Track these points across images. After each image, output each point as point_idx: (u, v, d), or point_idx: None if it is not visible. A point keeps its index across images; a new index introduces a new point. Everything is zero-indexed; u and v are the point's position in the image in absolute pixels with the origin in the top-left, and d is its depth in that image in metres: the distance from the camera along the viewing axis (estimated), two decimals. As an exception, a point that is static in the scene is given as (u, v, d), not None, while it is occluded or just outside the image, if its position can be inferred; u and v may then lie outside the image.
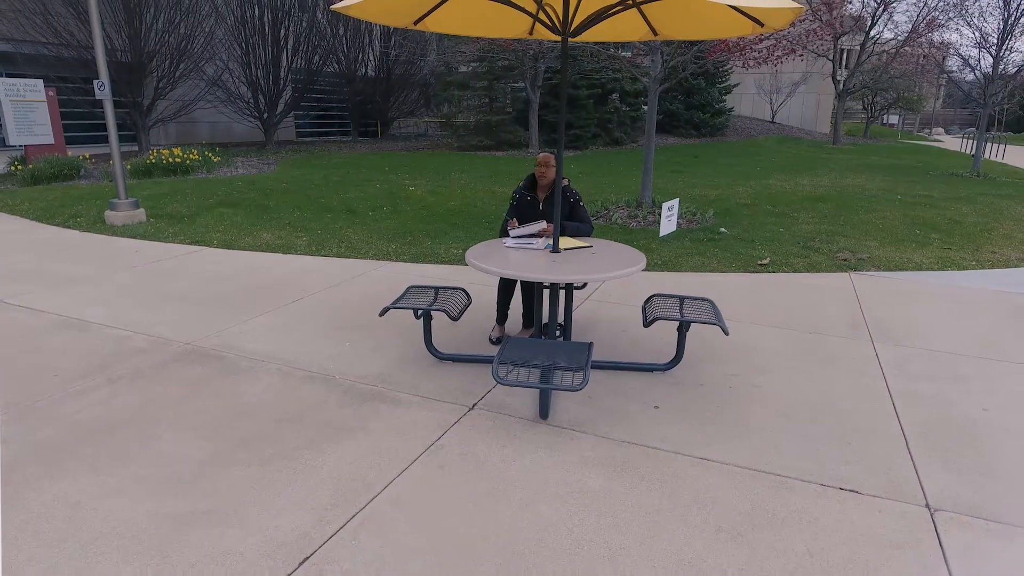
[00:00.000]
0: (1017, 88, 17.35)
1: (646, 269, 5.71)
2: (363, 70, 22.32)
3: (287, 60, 18.45)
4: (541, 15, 3.31)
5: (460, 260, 5.89)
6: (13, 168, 11.01)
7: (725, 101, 23.19)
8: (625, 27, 3.88)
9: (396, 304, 3.41)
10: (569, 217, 3.84)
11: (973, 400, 3.30)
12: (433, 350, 3.56)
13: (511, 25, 3.86)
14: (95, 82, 7.09)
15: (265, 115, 18.36)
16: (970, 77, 17.24)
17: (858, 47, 23.18)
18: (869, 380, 3.52)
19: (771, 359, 3.77)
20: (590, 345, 2.87)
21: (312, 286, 5.08)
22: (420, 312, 3.40)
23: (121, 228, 7.15)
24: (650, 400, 3.21)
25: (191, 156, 12.02)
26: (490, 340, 3.94)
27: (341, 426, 2.93)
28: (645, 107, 21.09)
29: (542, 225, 3.65)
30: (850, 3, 24.56)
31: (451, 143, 19.52)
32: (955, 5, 19.56)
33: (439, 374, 3.46)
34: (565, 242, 3.58)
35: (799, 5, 2.65)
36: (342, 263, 5.79)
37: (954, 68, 19.89)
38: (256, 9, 17.53)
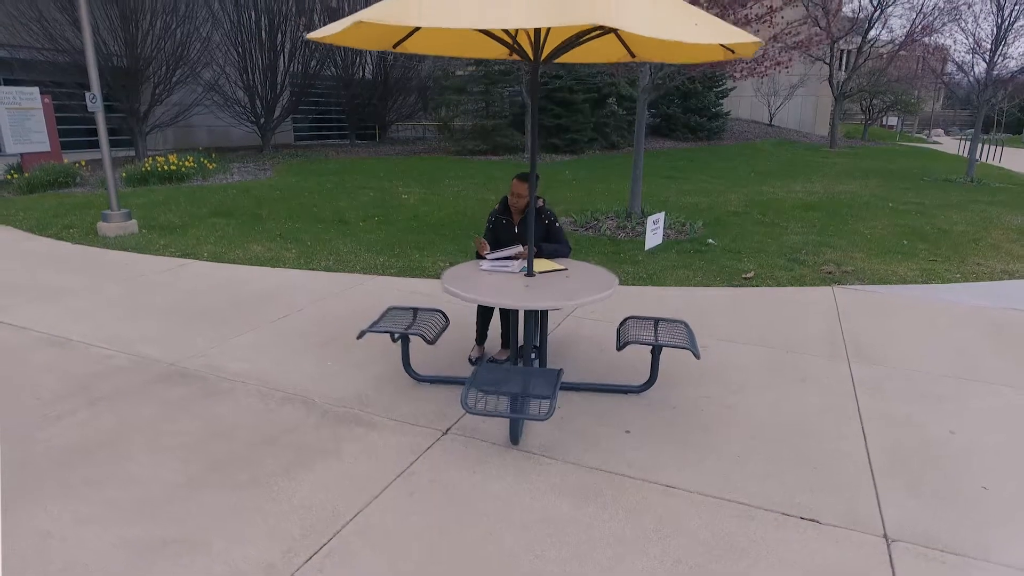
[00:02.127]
0: (1017, 90, 17.35)
1: (632, 283, 5.75)
2: (360, 73, 22.39)
3: (284, 65, 18.51)
4: (514, 43, 3.35)
5: (446, 274, 5.93)
6: (9, 176, 11.05)
7: (722, 105, 23.21)
8: (602, 49, 3.92)
9: (374, 327, 3.45)
10: (545, 237, 3.88)
11: (942, 422, 3.34)
12: (411, 372, 3.60)
13: (489, 47, 3.90)
14: (87, 94, 7.14)
15: (262, 120, 18.41)
16: (966, 82, 17.22)
17: (855, 48, 23.20)
18: (841, 401, 3.56)
19: (746, 378, 3.81)
20: (559, 373, 2.92)
21: (298, 301, 5.12)
22: (397, 336, 3.44)
23: (113, 240, 7.19)
24: (622, 423, 3.25)
25: (186, 163, 12.07)
26: (469, 360, 3.98)
27: (317, 450, 2.97)
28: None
29: (518, 249, 3.69)
30: (850, 1, 24.56)
31: (448, 147, 19.56)
32: (950, 11, 19.60)
33: (416, 396, 3.50)
34: (540, 264, 3.62)
35: (757, 39, 2.69)
36: (329, 277, 5.84)
37: (951, 71, 19.86)
38: (253, 13, 17.58)
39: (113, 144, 18.49)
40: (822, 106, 32.05)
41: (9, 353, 4.06)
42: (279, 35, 18.11)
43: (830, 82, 23.10)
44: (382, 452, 2.96)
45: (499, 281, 3.35)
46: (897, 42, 23.01)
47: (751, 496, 2.66)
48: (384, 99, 23.52)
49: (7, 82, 17.26)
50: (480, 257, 3.80)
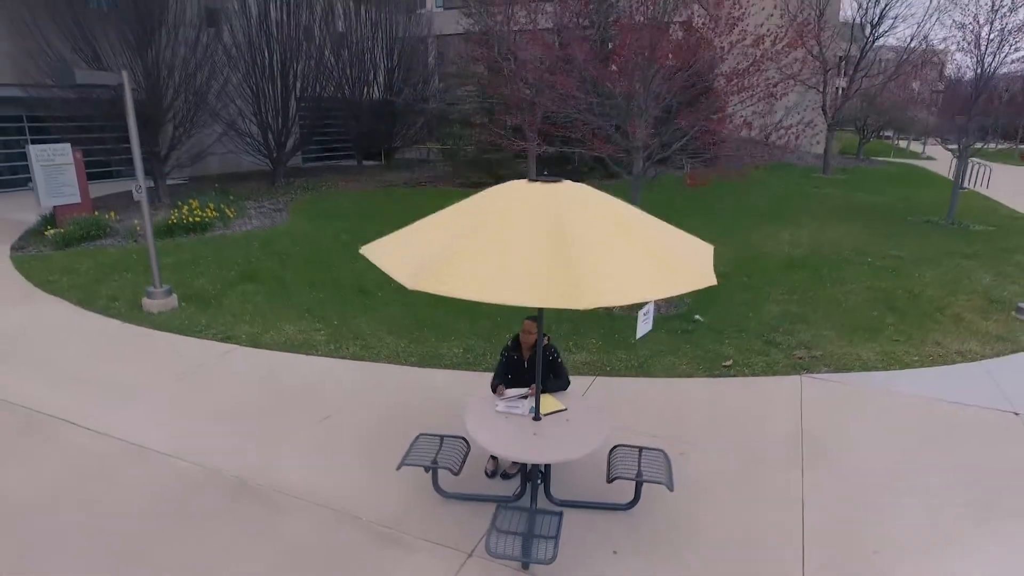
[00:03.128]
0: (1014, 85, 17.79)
1: (624, 372, 6.53)
2: (368, 98, 23.12)
3: (295, 101, 19.26)
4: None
5: (462, 365, 6.71)
6: (46, 231, 11.81)
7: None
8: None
9: (409, 460, 4.23)
10: (550, 368, 4.65)
11: (871, 537, 4.12)
12: (440, 491, 4.39)
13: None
14: (134, 186, 7.91)
15: (275, 154, 19.19)
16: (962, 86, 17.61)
17: (848, 77, 23.87)
18: (789, 515, 4.34)
19: (714, 489, 4.59)
20: (560, 516, 3.70)
21: (336, 399, 5.90)
22: (428, 468, 4.23)
23: (157, 316, 7.98)
24: (610, 543, 4.04)
25: (209, 213, 12.85)
26: (485, 472, 4.77)
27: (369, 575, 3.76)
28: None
29: (526, 391, 4.47)
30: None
31: (452, 179, 20.30)
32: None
33: (445, 514, 4.29)
34: (546, 402, 4.40)
35: (712, 280, 3.45)
36: (359, 368, 6.62)
37: (951, 72, 20.42)
38: (266, 53, 18.31)
39: (123, 175, 18.96)
40: (819, 123, 32.73)
41: (96, 464, 4.85)
42: (291, 73, 18.86)
43: (823, 110, 23.80)
44: None
45: (511, 430, 4.13)
46: (888, 72, 23.72)
47: (709, 620, 3.45)
48: (391, 125, 24.28)
49: (28, 120, 18.04)
50: (494, 389, 4.58)
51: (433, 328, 7.68)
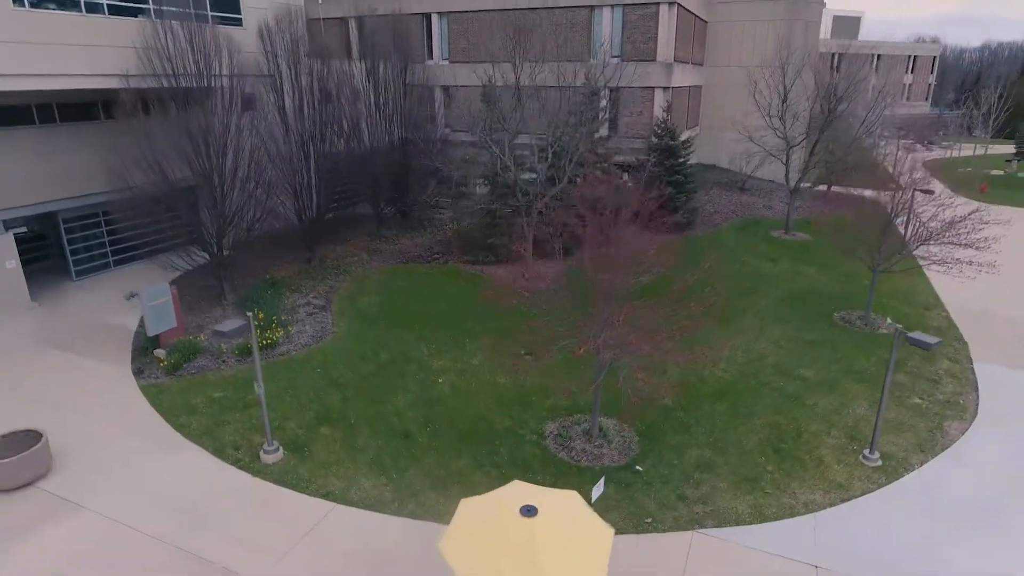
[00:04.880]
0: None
1: (582, 528, 10.33)
2: (384, 151, 26.03)
3: (324, 189, 22.51)
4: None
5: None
6: (160, 363, 15.48)
7: (695, 198, 27.22)
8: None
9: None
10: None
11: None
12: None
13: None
14: (255, 386, 11.56)
15: (307, 224, 22.44)
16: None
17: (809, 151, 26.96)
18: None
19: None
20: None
21: (417, 570, 9.71)
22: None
23: (273, 467, 11.77)
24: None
25: (275, 333, 16.51)
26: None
27: None
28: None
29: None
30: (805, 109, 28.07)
31: (460, 255, 23.72)
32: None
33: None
34: None
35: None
36: (423, 530, 10.41)
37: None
38: (299, 136, 21.46)
39: (160, 251, 22.03)
40: (794, 159, 35.81)
41: (283, 617, 8.71)
42: (316, 143, 21.89)
43: (786, 179, 27.01)
44: None
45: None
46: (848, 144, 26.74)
47: None
48: (405, 181, 27.39)
49: (104, 214, 21.36)
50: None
51: (459, 479, 11.46)
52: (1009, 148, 61.66)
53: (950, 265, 16.97)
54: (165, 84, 17.95)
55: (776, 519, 10.66)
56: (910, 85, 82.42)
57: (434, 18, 33.91)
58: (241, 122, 19.03)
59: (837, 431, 13.07)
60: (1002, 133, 74.92)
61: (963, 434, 13.08)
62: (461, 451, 12.30)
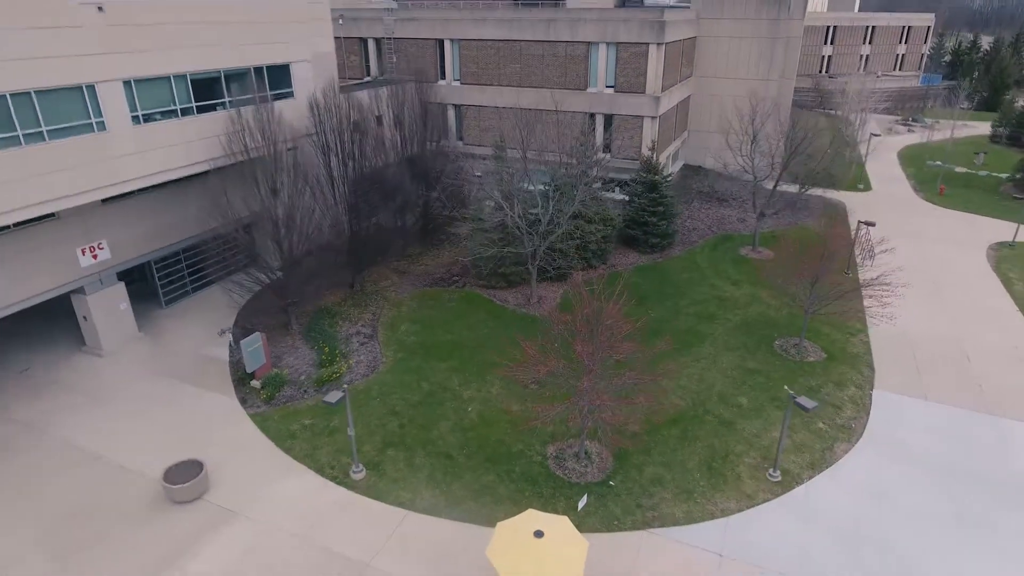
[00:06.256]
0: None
1: (572, 528, 15.74)
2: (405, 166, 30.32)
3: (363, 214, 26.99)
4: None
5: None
6: (259, 394, 20.61)
7: (676, 221, 31.70)
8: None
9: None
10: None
11: (637, 621, 13.46)
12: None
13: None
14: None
15: (353, 271, 27.18)
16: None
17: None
18: (616, 612, 13.67)
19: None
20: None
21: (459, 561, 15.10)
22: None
23: (359, 482, 17.07)
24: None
25: (341, 369, 21.59)
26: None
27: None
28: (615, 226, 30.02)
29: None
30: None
31: (476, 279, 28.44)
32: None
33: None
34: None
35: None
36: (465, 535, 15.77)
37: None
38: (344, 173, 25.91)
39: (225, 276, 26.74)
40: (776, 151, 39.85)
41: (387, 589, 14.19)
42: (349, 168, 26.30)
43: (753, 204, 31.38)
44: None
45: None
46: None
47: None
48: (427, 200, 31.81)
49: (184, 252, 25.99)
50: None
51: (493, 498, 16.77)
52: (987, 126, 64.60)
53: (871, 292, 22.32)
54: (241, 159, 22.31)
55: (700, 521, 16.02)
56: (903, 55, 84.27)
57: (447, 44, 37.31)
58: (297, 181, 23.48)
59: (754, 452, 18.32)
60: (983, 107, 77.69)
61: (845, 454, 18.34)
62: (488, 469, 17.56)
